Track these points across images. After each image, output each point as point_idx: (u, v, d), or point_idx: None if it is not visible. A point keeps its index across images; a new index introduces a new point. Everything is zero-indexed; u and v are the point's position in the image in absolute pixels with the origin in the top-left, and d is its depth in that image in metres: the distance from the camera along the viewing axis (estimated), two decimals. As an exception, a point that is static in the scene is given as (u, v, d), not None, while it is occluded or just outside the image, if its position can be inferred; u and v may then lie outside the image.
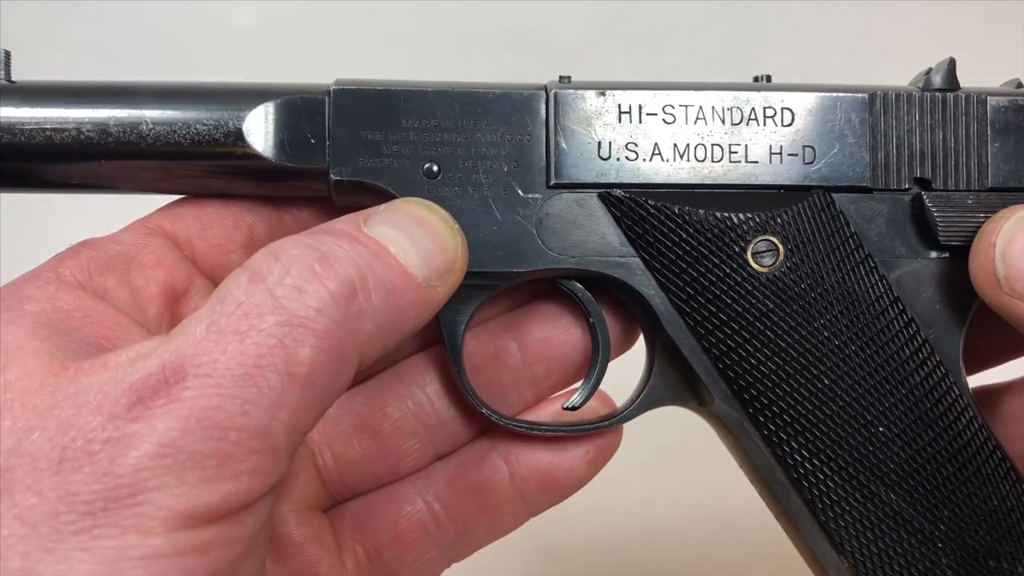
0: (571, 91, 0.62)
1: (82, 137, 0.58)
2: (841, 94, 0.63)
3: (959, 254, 0.63)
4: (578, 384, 0.68)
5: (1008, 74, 0.68)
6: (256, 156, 0.59)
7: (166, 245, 0.59)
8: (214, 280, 0.61)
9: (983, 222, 0.62)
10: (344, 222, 0.54)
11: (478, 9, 0.90)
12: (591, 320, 0.65)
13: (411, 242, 0.54)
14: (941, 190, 0.63)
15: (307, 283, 0.48)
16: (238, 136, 0.59)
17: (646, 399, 0.65)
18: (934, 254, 0.63)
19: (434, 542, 0.64)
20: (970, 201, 0.63)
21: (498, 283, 0.62)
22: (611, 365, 0.66)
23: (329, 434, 0.65)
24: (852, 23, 1.12)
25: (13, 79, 0.60)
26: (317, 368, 0.47)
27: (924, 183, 0.63)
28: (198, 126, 0.59)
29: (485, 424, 0.64)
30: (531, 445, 0.65)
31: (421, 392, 0.66)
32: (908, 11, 1.11)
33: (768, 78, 0.66)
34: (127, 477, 0.44)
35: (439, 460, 0.66)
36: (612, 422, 0.64)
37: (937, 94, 0.64)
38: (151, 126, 0.59)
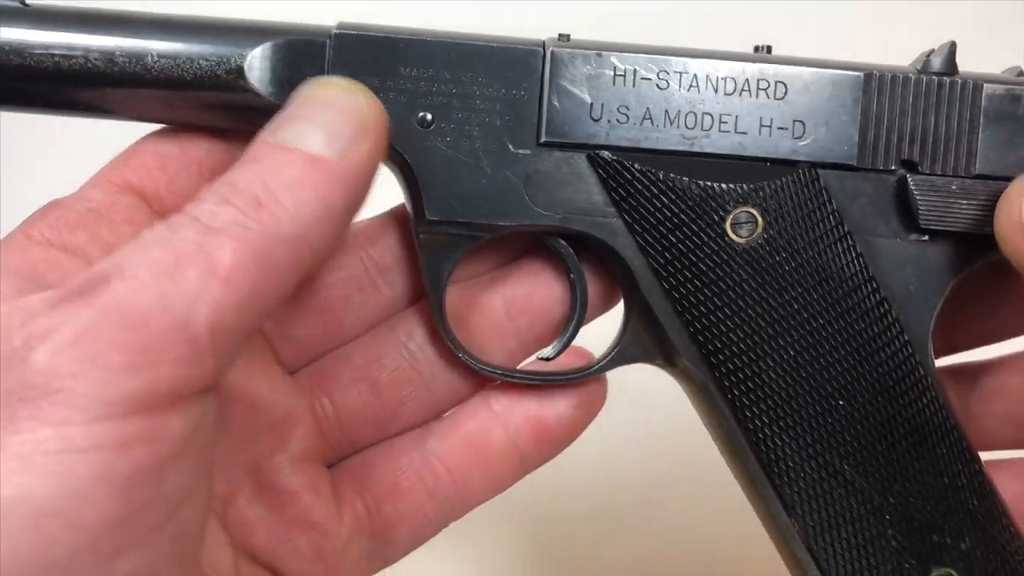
0: (568, 50, 0.62)
1: (89, 65, 0.60)
2: (836, 71, 0.63)
3: (938, 237, 0.64)
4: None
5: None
6: (255, 93, 0.61)
7: (135, 203, 0.60)
8: None
9: (964, 208, 0.63)
10: (255, 142, 0.54)
11: (478, 8, 0.90)
12: (572, 276, 0.67)
13: (313, 126, 0.54)
14: (927, 174, 0.64)
15: (218, 206, 0.50)
16: (239, 73, 0.61)
17: (619, 355, 0.67)
18: (914, 236, 0.64)
19: (431, 495, 0.66)
20: (954, 187, 0.64)
21: (482, 234, 0.64)
22: (593, 326, 0.67)
23: (328, 385, 0.67)
24: (852, 23, 1.12)
25: (27, 2, 0.62)
26: (239, 269, 0.48)
27: (911, 165, 0.64)
28: (201, 61, 0.61)
29: (474, 374, 0.66)
30: (521, 396, 0.67)
31: (413, 341, 0.68)
32: (909, 11, 1.10)
33: (769, 48, 0.66)
34: (44, 364, 0.44)
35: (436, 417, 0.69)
36: (585, 373, 0.67)
37: (934, 77, 0.64)
38: (156, 59, 0.60)
